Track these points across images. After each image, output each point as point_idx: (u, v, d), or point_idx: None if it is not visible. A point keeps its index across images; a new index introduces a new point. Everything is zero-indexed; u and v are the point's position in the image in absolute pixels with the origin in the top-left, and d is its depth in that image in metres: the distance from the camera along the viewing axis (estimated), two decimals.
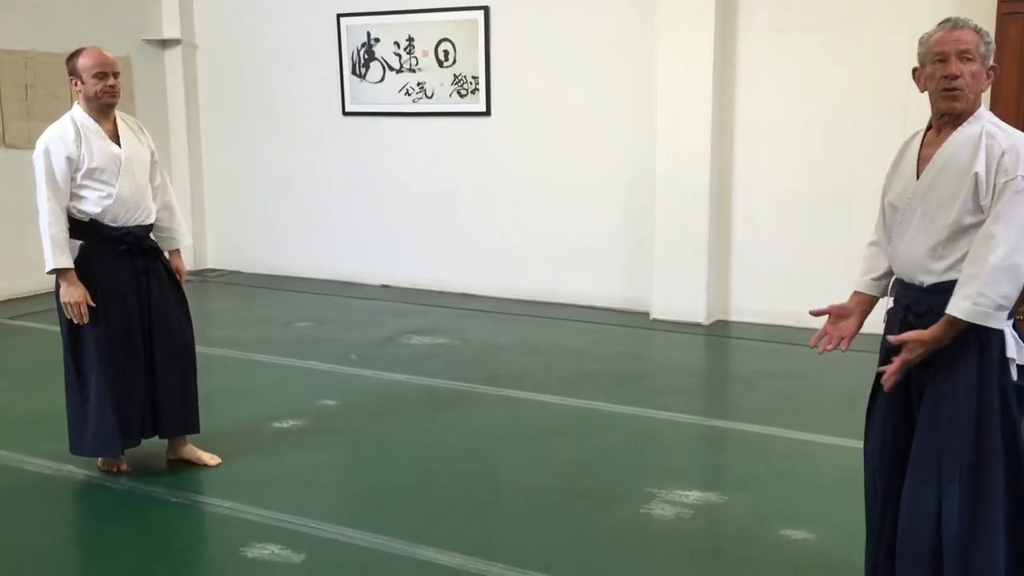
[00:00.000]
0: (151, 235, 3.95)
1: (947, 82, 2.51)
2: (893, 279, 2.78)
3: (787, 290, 6.47)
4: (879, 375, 2.78)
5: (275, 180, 8.34)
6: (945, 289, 2.53)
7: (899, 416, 2.68)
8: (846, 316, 2.82)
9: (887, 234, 2.75)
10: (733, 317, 6.71)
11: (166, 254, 4.02)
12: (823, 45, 6.16)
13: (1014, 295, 2.44)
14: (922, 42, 2.60)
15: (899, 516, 2.63)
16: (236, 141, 8.47)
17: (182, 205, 8.25)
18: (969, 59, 2.51)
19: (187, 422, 4.03)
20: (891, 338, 2.56)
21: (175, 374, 3.95)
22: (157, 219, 3.96)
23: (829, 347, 2.82)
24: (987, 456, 2.53)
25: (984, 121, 2.54)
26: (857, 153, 6.05)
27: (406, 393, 5.13)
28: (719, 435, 4.60)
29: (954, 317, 2.44)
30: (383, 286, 7.92)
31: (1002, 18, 5.32)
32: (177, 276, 4.00)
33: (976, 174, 2.46)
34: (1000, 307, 2.42)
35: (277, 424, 4.60)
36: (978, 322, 2.43)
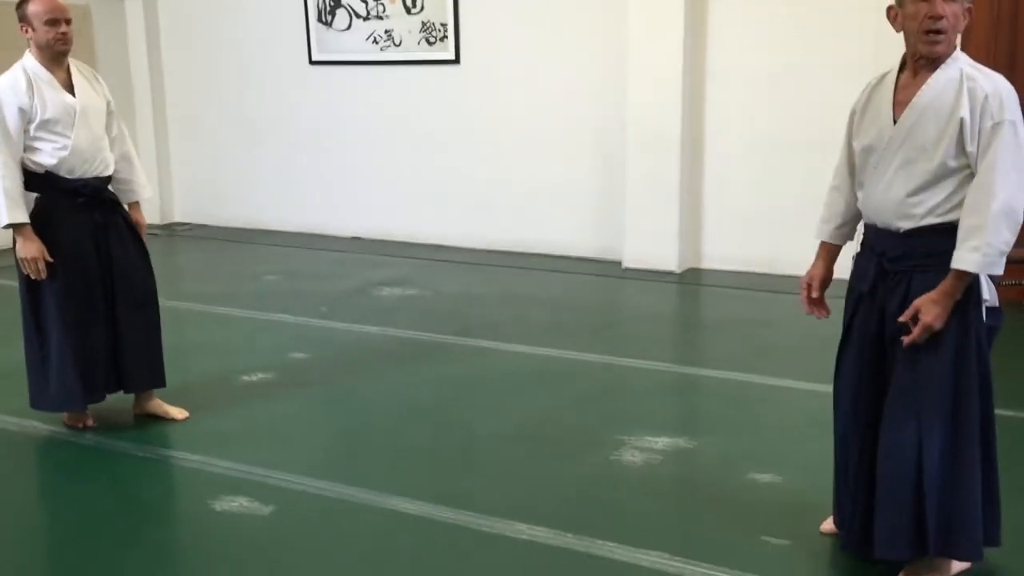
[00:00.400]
0: (110, 187, 3.86)
1: (931, 23, 2.43)
2: (862, 224, 2.76)
3: (760, 237, 6.47)
4: (849, 324, 2.76)
5: (242, 132, 8.20)
6: (922, 234, 2.52)
7: (872, 362, 2.67)
8: (821, 278, 2.85)
9: (857, 179, 2.71)
10: (705, 265, 6.70)
11: (125, 206, 3.93)
12: None
13: (1012, 240, 2.43)
14: None
15: (877, 462, 2.63)
16: (201, 92, 8.30)
17: (147, 158, 8.27)
18: (953, 0, 2.44)
19: (152, 376, 3.98)
20: (903, 319, 2.51)
21: (138, 328, 3.88)
22: (115, 171, 3.86)
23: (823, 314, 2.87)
24: (965, 399, 2.54)
25: (961, 63, 2.49)
26: (829, 98, 5.97)
27: (377, 345, 5.10)
28: (690, 382, 4.61)
29: (964, 271, 2.42)
30: (353, 238, 7.85)
31: None
32: (137, 229, 3.92)
33: (961, 119, 2.42)
34: (1002, 253, 2.42)
35: (246, 377, 4.56)
36: (986, 272, 2.42)
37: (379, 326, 5.40)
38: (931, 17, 2.43)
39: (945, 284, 2.45)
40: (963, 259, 2.41)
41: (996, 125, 2.40)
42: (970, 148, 2.43)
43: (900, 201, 2.54)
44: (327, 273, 6.74)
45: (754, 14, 6.23)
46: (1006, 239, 2.41)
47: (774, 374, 4.52)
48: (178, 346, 4.72)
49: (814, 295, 2.86)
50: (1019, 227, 2.43)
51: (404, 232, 7.68)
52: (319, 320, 5.54)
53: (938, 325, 2.46)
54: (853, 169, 2.74)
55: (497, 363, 4.81)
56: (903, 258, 2.56)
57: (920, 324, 2.47)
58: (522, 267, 6.83)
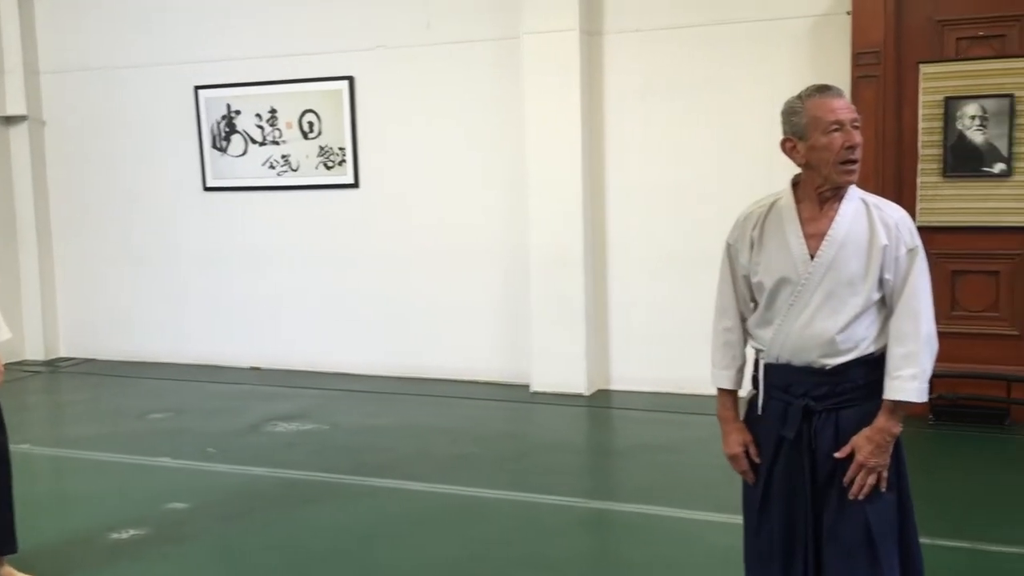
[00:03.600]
0: None
1: (849, 153, 2.36)
2: (764, 364, 2.53)
3: (666, 355, 6.36)
4: (769, 472, 2.52)
5: (133, 261, 7.85)
6: (847, 368, 2.39)
7: (806, 511, 2.44)
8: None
9: (761, 316, 2.51)
10: (615, 386, 6.55)
11: None
12: (689, 107, 6.17)
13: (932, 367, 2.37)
14: (796, 111, 2.41)
15: None
16: (90, 221, 7.95)
17: (30, 289, 7.84)
18: (858, 127, 2.40)
19: (1, 541, 3.55)
20: (840, 455, 2.36)
21: None
22: None
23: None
24: (911, 547, 2.42)
25: (858, 192, 2.43)
26: (726, 214, 5.95)
27: (266, 489, 4.73)
28: (601, 518, 4.36)
29: (904, 401, 2.33)
30: (252, 368, 7.49)
31: (857, 82, 5.39)
32: None
33: (884, 247, 2.35)
34: (928, 381, 2.35)
35: (115, 535, 4.13)
36: (922, 400, 2.33)
37: (270, 467, 5.04)
38: (849, 147, 2.37)
39: (882, 419, 2.34)
40: (903, 389, 2.33)
41: (910, 251, 2.36)
42: (887, 275, 2.36)
43: (829, 338, 2.39)
44: (219, 408, 6.35)
45: (651, 133, 6.28)
46: (930, 366, 2.36)
47: (686, 506, 4.31)
48: (38, 500, 4.31)
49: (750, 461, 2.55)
50: (936, 350, 2.38)
51: (305, 361, 7.36)
52: (204, 463, 5.15)
53: (872, 463, 2.33)
54: (741, 306, 2.58)
55: (395, 504, 4.49)
56: (829, 396, 2.41)
57: (855, 463, 2.35)
58: (427, 394, 6.56)
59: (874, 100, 5.35)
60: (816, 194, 2.44)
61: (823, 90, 2.41)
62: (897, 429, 2.35)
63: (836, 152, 2.36)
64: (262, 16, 7.21)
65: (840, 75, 5.50)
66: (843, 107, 2.39)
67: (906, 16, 5.41)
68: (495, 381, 6.77)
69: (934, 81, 5.36)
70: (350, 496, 4.61)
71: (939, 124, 5.36)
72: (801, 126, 2.41)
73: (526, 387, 6.56)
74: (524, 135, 6.40)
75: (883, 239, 2.36)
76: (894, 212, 2.42)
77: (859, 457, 2.34)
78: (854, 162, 2.38)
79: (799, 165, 2.47)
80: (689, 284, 6.20)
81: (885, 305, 2.42)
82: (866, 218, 2.39)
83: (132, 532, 4.17)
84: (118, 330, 7.94)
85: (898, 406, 2.34)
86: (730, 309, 2.59)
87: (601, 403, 6.27)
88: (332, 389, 6.78)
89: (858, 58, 5.39)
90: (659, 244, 6.34)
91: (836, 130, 2.36)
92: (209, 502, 4.54)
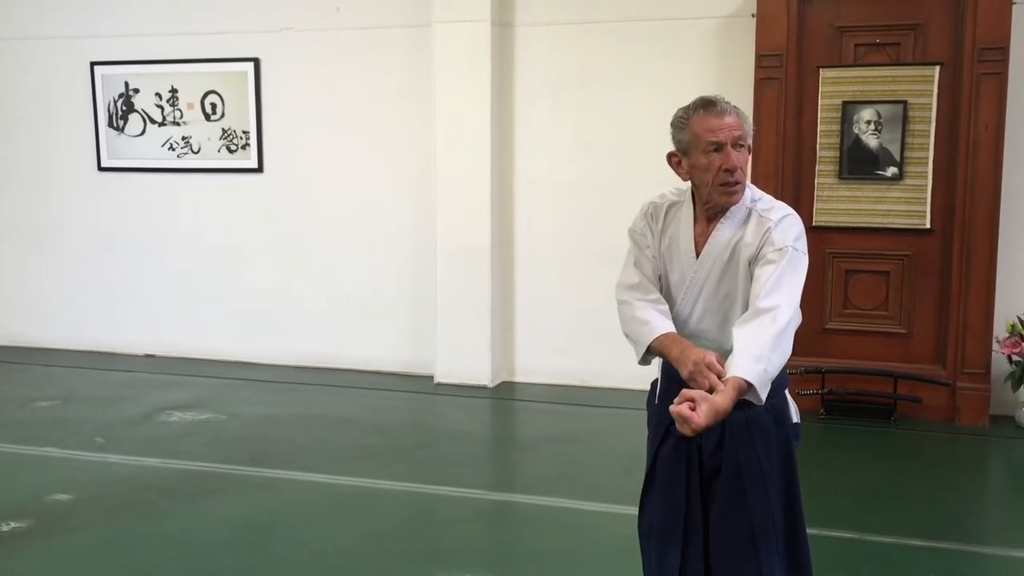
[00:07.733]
0: None
1: (728, 175, 2.33)
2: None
3: (571, 349, 6.40)
4: (655, 456, 2.57)
5: (20, 241, 7.51)
6: None
7: (681, 496, 2.48)
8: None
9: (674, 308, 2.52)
10: (519, 378, 6.56)
11: None
12: (597, 102, 6.20)
13: (782, 365, 2.27)
14: (680, 127, 2.40)
15: None
16: None
17: None
18: (742, 146, 2.36)
19: None
20: (675, 411, 2.17)
21: None
22: None
23: None
24: (798, 523, 2.47)
25: (747, 201, 2.42)
26: (632, 209, 6.02)
27: (157, 481, 4.58)
28: (500, 509, 4.36)
29: (745, 380, 2.16)
30: (147, 355, 7.26)
31: (760, 83, 5.51)
32: None
33: (752, 257, 2.35)
34: (772, 377, 2.23)
35: None
36: (761, 390, 2.19)
37: (163, 458, 4.88)
38: (727, 170, 2.33)
39: (727, 397, 2.15)
40: (746, 368, 2.17)
41: (778, 251, 2.32)
42: (752, 267, 2.35)
43: (711, 340, 2.42)
44: (111, 397, 6.13)
45: (559, 128, 6.30)
46: (779, 362, 2.24)
47: (585, 497, 4.34)
48: None
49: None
50: (788, 355, 2.28)
51: (202, 349, 7.16)
52: (93, 453, 4.96)
53: (699, 427, 2.12)
54: (655, 280, 2.54)
55: (292, 496, 4.40)
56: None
57: (687, 423, 2.12)
58: (329, 384, 6.46)
59: (776, 102, 5.48)
60: (703, 210, 2.45)
61: (708, 106, 2.36)
62: (730, 407, 2.17)
63: (715, 174, 2.35)
64: None
65: (744, 76, 5.62)
66: (725, 126, 2.33)
67: (808, 21, 5.55)
68: (399, 372, 6.71)
69: (833, 85, 5.51)
70: (246, 487, 4.50)
71: (836, 127, 5.52)
72: (684, 142, 2.40)
73: (430, 378, 6.52)
74: (433, 125, 6.35)
75: (753, 250, 2.35)
76: (776, 215, 2.38)
77: (693, 418, 2.10)
78: (735, 184, 2.35)
79: (684, 180, 2.47)
80: (594, 278, 6.24)
81: None
82: (744, 226, 2.39)
83: (12, 525, 3.99)
84: (3, 313, 7.58)
85: (742, 386, 2.17)
86: (645, 284, 2.52)
87: (505, 395, 6.27)
88: (231, 378, 6.62)
89: (761, 60, 5.51)
90: (566, 237, 6.37)
91: (715, 151, 2.34)
92: (97, 494, 4.38)
